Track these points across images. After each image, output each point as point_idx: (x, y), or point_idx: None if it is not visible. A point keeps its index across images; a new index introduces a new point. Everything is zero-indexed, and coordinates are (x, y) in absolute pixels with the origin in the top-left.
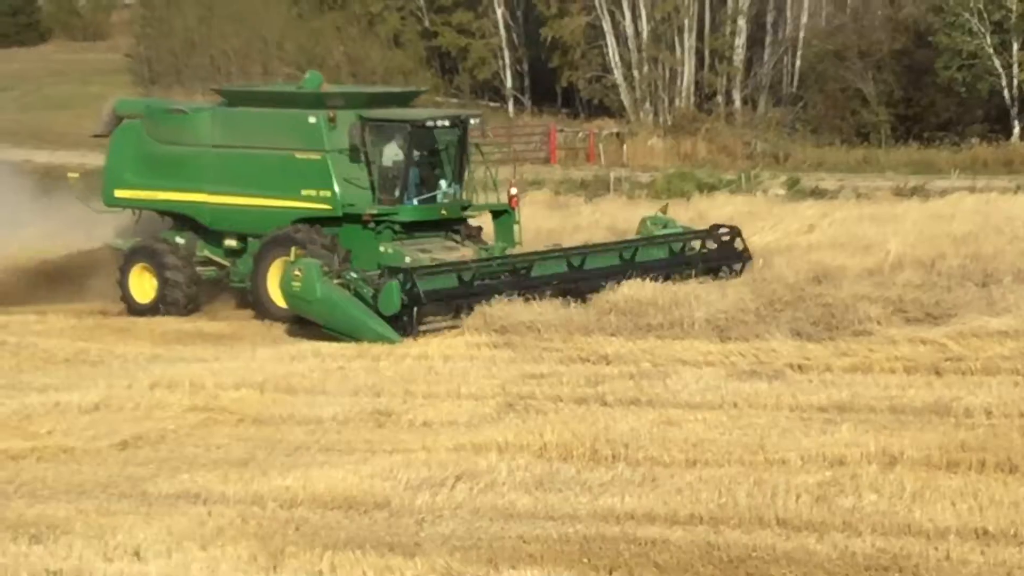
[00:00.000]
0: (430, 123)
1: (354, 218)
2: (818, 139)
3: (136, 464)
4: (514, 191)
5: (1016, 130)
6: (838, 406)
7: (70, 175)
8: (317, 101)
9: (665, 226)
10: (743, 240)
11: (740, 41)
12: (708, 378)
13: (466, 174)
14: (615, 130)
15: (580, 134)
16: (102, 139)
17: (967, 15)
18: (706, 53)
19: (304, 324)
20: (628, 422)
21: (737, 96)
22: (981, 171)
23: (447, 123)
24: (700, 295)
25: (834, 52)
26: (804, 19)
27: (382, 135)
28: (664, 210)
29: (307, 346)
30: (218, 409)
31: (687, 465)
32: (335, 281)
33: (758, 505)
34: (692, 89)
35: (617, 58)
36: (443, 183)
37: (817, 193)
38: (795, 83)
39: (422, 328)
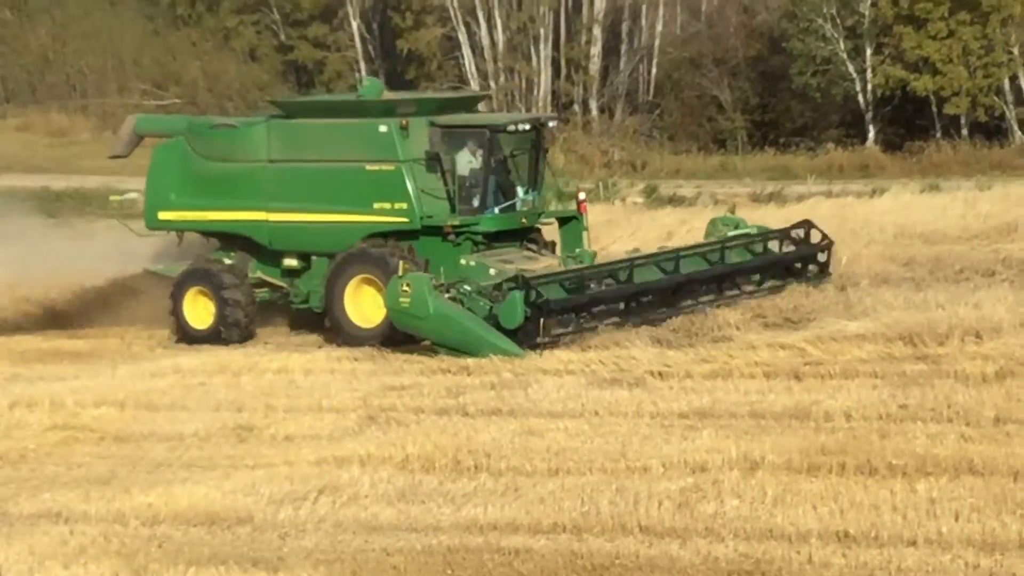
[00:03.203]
0: (511, 127)
1: (432, 231)
2: (675, 146)
3: None
4: (582, 196)
5: (871, 134)
6: (699, 412)
7: (112, 198)
8: (387, 109)
9: (737, 226)
10: (819, 230)
11: (596, 50)
12: (569, 387)
13: (543, 180)
14: None
15: None
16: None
17: (820, 21)
18: (562, 62)
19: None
20: (490, 432)
21: (594, 105)
22: (837, 176)
23: (527, 127)
24: None
25: (689, 60)
26: (659, 27)
27: (459, 142)
28: (732, 210)
29: (167, 363)
30: (79, 427)
31: (549, 474)
32: (446, 296)
33: (620, 512)
34: (549, 99)
35: (474, 69)
36: (520, 190)
37: (675, 200)
38: (651, 91)
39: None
